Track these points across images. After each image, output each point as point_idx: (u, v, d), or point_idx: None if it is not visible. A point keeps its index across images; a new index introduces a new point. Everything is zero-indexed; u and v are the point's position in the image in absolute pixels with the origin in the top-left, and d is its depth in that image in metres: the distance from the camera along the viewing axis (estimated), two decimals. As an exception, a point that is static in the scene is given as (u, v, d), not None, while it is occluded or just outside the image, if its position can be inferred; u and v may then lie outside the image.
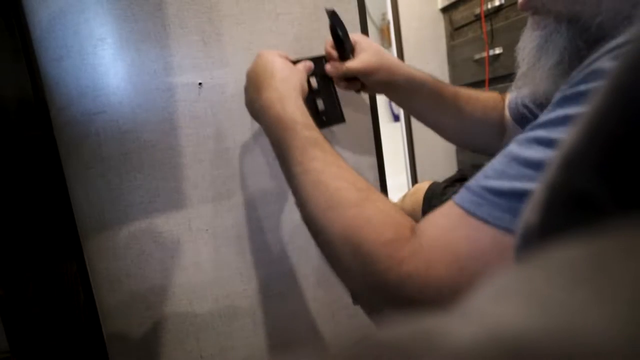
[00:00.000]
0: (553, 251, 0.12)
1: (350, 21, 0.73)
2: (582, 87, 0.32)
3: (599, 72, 0.31)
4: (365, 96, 0.79)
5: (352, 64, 0.65)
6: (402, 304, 0.41)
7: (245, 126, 0.69)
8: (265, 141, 0.66)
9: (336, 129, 0.77)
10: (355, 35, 0.66)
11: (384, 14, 2.47)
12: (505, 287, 0.11)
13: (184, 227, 0.67)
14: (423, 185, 1.02)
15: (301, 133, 0.46)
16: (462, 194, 0.37)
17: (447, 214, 0.38)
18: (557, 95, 0.35)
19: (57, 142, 0.59)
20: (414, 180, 1.70)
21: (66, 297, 0.60)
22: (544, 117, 0.35)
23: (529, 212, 0.19)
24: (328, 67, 0.65)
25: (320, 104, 0.65)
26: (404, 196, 1.02)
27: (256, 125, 0.69)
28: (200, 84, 0.66)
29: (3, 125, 0.56)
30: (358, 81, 0.68)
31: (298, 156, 0.45)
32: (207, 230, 0.69)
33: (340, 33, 0.63)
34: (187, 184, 0.67)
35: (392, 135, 1.66)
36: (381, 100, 1.63)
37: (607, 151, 0.14)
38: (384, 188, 0.83)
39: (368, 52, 0.65)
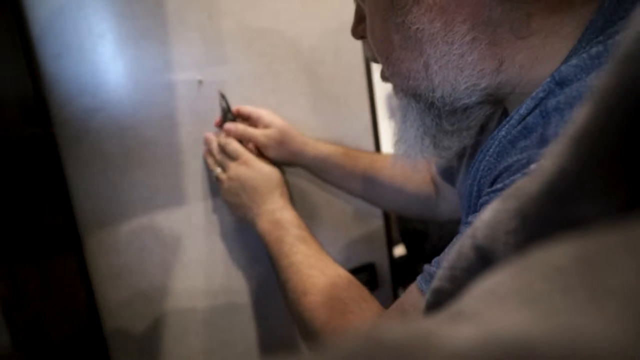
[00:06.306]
0: (545, 252, 0.11)
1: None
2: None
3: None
4: (364, 93, 0.79)
5: (258, 133, 0.65)
6: None
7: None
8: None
9: (336, 125, 0.77)
10: (261, 110, 0.67)
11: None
12: (500, 289, 0.11)
13: (185, 223, 0.68)
14: None
15: (292, 231, 0.56)
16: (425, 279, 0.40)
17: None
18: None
19: (57, 139, 0.59)
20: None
21: (67, 293, 0.60)
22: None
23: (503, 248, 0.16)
24: (231, 125, 0.66)
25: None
26: None
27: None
28: (200, 81, 0.66)
29: (2, 122, 0.56)
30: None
31: (287, 250, 0.54)
32: (207, 226, 0.70)
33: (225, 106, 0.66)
34: (188, 181, 0.67)
35: (391, 132, 1.66)
36: (380, 96, 1.62)
37: (608, 171, 0.12)
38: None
39: (273, 127, 0.66)
